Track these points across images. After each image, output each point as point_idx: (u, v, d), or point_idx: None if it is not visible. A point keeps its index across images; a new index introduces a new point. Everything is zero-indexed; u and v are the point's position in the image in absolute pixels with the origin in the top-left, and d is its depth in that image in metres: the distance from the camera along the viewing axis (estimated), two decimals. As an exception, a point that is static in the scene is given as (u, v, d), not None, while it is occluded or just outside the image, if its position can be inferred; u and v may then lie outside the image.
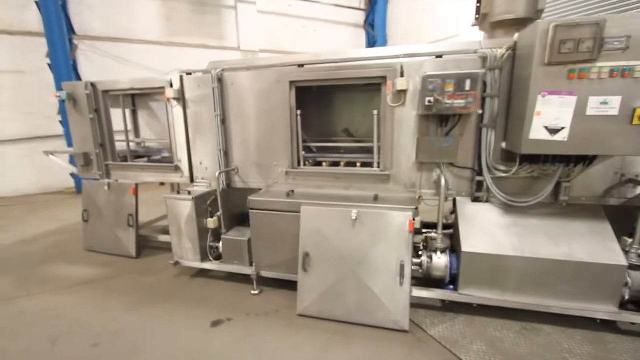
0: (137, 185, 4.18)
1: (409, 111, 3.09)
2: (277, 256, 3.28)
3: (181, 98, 3.77)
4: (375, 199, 3.08)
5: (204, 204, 3.55)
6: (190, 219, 3.46)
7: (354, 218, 2.84)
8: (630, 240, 2.72)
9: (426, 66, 2.94)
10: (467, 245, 2.82)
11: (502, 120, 2.87)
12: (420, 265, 3.07)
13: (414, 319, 2.84)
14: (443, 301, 3.08)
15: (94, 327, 2.89)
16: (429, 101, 2.77)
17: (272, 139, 3.55)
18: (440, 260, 3.00)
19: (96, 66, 7.96)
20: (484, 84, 2.79)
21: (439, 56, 2.97)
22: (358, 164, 3.64)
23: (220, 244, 3.58)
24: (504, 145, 2.88)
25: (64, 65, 7.27)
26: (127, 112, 4.95)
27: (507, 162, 2.92)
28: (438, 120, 2.98)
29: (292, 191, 3.39)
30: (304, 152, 3.61)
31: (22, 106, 7.52)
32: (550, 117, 2.41)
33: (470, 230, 2.90)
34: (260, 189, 3.96)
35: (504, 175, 2.90)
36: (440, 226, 3.05)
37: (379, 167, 3.35)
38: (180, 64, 8.93)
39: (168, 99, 3.80)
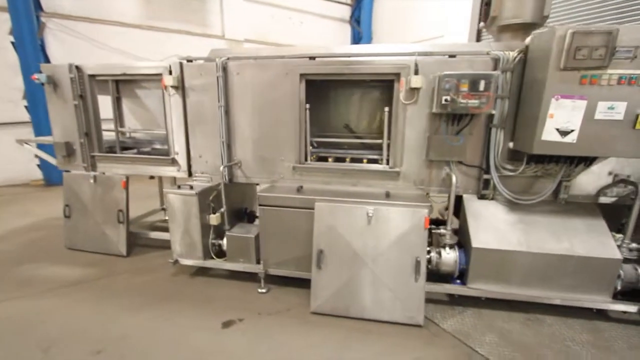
0: (127, 178, 3.91)
1: (421, 109, 3.12)
2: (287, 253, 3.21)
3: (180, 86, 3.56)
4: (387, 195, 3.09)
5: (206, 200, 3.38)
6: (193, 215, 3.30)
7: (370, 215, 2.84)
8: (619, 236, 2.95)
9: (439, 65, 2.98)
10: (476, 241, 2.91)
11: (510, 121, 2.98)
12: (429, 260, 3.14)
13: (425, 314, 2.90)
14: (450, 295, 3.17)
15: (92, 332, 2.68)
16: (446, 100, 2.80)
17: (278, 132, 3.44)
18: (450, 256, 3.08)
19: (67, 47, 7.31)
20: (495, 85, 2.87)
21: (452, 56, 3.01)
22: (364, 160, 3.64)
23: (224, 241, 3.44)
24: (511, 145, 2.99)
25: (30, 44, 6.60)
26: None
27: (513, 161, 3.05)
28: (450, 119, 3.03)
29: (301, 187, 3.32)
30: (310, 147, 3.55)
31: (-21, 88, 6.76)
32: (562, 119, 2.53)
33: (478, 227, 3.00)
34: (257, 184, 3.86)
35: (510, 174, 3.02)
36: (449, 222, 3.13)
37: (387, 163, 3.37)
38: (161, 50, 8.48)
39: (165, 87, 3.56)
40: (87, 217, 4.03)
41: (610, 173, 3.02)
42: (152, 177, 4.97)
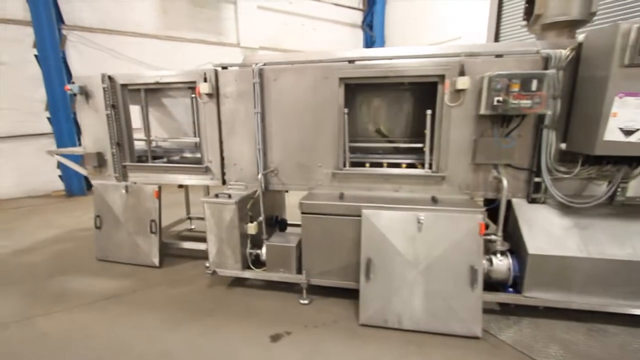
0: (160, 187, 3.85)
1: (467, 111, 3.02)
2: (330, 263, 3.10)
3: (215, 94, 3.51)
4: (435, 201, 2.98)
5: (244, 208, 3.30)
6: (232, 225, 3.21)
7: (421, 221, 2.73)
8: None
9: (485, 66, 2.89)
10: (533, 248, 2.78)
11: (562, 122, 2.87)
12: (479, 268, 3.01)
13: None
14: (502, 304, 3.03)
15: (137, 348, 2.58)
16: (498, 101, 2.70)
17: (316, 138, 3.37)
18: (502, 263, 2.94)
19: (86, 59, 7.38)
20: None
21: (498, 55, 2.92)
22: (403, 165, 3.53)
23: (262, 250, 3.35)
24: (564, 146, 2.88)
25: (52, 57, 6.67)
26: (138, 108, 4.59)
27: (564, 163, 2.93)
28: (500, 120, 2.93)
29: (343, 194, 3.23)
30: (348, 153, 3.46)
31: (2, 101, 6.80)
32: (626, 118, 2.42)
33: (533, 232, 2.87)
34: (286, 191, 3.76)
35: (564, 176, 2.89)
36: (500, 228, 3.00)
37: (430, 168, 3.26)
38: (177, 59, 8.55)
39: (200, 95, 3.52)
40: (118, 228, 3.97)
41: (669, 173, 2.88)
42: (180, 186, 4.94)
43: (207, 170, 3.72)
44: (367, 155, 3.79)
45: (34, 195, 7.17)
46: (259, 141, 3.42)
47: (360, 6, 11.52)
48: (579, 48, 2.74)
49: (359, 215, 2.93)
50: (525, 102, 2.70)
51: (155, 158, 4.37)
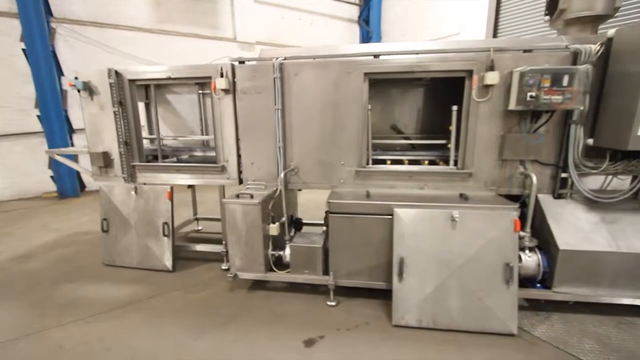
0: (172, 188, 3.67)
1: (495, 106, 2.98)
2: (359, 263, 3.02)
3: (231, 89, 3.36)
4: (466, 198, 2.94)
5: (266, 209, 3.18)
6: (255, 226, 3.09)
7: (456, 219, 2.68)
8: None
9: (513, 61, 2.86)
10: (563, 243, 2.78)
11: (590, 117, 2.87)
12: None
13: (513, 321, 2.75)
14: (530, 300, 3.03)
15: (160, 359, 2.45)
16: (531, 96, 2.67)
17: (339, 135, 3.27)
18: (531, 259, 2.94)
19: (77, 53, 7.02)
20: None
21: (527, 50, 2.89)
22: (425, 162, 3.49)
23: (286, 251, 3.24)
24: (591, 141, 2.88)
25: (41, 51, 6.29)
26: (143, 105, 4.38)
27: (590, 158, 2.93)
28: (529, 116, 2.91)
29: (369, 192, 3.15)
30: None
31: (-14, 98, 6.41)
32: (660, 113, 2.43)
33: (561, 228, 2.87)
34: (299, 190, 3.64)
35: (592, 171, 2.90)
36: (529, 224, 2.99)
37: (455, 164, 3.22)
38: (172, 54, 8.26)
39: (215, 90, 3.36)
40: (127, 231, 3.77)
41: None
42: (190, 186, 4.76)
43: (222, 170, 3.57)
44: (387, 152, 3.72)
45: (24, 198, 6.81)
46: (279, 138, 3.30)
47: (357, 1, 11.41)
48: (608, 43, 2.73)
49: (389, 214, 2.86)
50: (557, 98, 2.68)
51: (164, 157, 4.20)
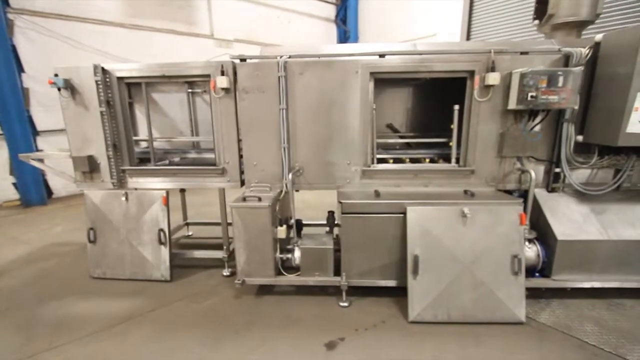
0: (168, 193, 3.47)
1: (494, 106, 3.11)
2: (371, 262, 3.04)
3: (232, 88, 3.23)
4: (472, 195, 3.05)
5: (275, 211, 3.10)
6: (265, 229, 3.00)
7: (467, 215, 2.77)
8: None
9: (511, 62, 3.00)
10: (561, 234, 2.97)
11: (579, 115, 3.08)
12: (509, 256, 3.15)
13: (518, 310, 2.90)
14: (529, 289, 3.20)
15: (180, 374, 2.31)
16: (532, 96, 2.82)
17: (344, 134, 3.26)
18: (531, 250, 3.11)
19: (39, 48, 6.41)
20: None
21: (523, 53, 3.05)
22: (426, 160, 3.57)
23: (295, 254, 3.18)
24: (580, 138, 3.10)
25: (-1, 45, 5.67)
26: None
27: (580, 154, 3.16)
28: (526, 115, 3.07)
29: (378, 191, 3.17)
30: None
31: None
32: (646, 112, 2.66)
33: (558, 220, 3.07)
34: (297, 191, 3.59)
35: (582, 166, 3.13)
36: (528, 217, 3.15)
37: (457, 162, 3.33)
38: (145, 51, 7.82)
39: (214, 89, 3.22)
40: (118, 241, 3.51)
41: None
42: (182, 190, 4.53)
43: (223, 172, 3.43)
44: (387, 151, 3.77)
45: (-19, 208, 6.14)
46: (284, 139, 3.22)
47: (334, 0, 11.44)
48: (596, 47, 2.95)
49: (401, 213, 2.90)
50: (553, 98, 2.86)
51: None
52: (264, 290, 3.33)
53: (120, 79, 3.33)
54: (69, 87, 3.31)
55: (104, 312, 3.02)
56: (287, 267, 3.24)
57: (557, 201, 3.21)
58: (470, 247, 2.79)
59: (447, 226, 2.82)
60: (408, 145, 4.08)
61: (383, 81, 3.72)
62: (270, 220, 2.99)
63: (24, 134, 6.10)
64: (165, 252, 3.48)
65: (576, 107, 2.93)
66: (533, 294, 3.17)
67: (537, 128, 3.11)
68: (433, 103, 4.02)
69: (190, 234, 4.87)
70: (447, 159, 3.49)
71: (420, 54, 3.09)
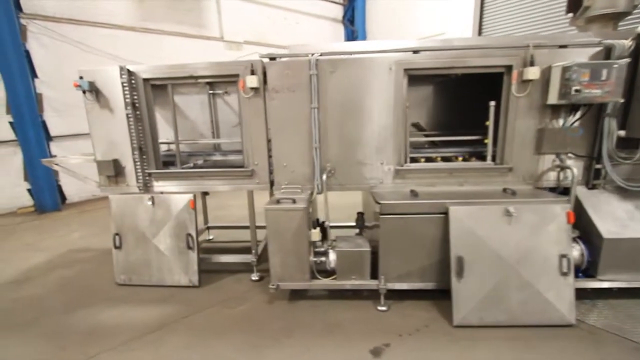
0: (195, 196, 3.38)
1: (533, 101, 3.02)
2: (410, 264, 2.94)
3: (261, 88, 3.15)
4: (513, 193, 2.94)
5: (308, 214, 3.01)
6: (300, 232, 2.91)
7: (512, 214, 2.67)
8: None
9: (550, 56, 2.91)
10: (606, 232, 2.87)
11: (621, 110, 2.99)
12: (551, 256, 3.05)
13: (565, 312, 2.79)
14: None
15: (225, 384, 2.21)
16: (576, 90, 2.72)
17: (377, 134, 3.18)
18: (575, 250, 2.99)
19: (52, 53, 6.37)
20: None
21: (562, 46, 2.96)
22: (459, 159, 3.48)
23: (330, 257, 3.08)
24: (622, 133, 3.00)
25: (13, 50, 5.63)
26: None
27: (622, 149, 3.06)
28: (567, 110, 2.98)
29: (415, 191, 3.07)
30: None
31: (-54, 103, 5.62)
32: (696, 104, 2.56)
33: (602, 218, 2.96)
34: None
35: (625, 162, 3.02)
36: (570, 216, 3.05)
37: (493, 160, 3.24)
38: (156, 54, 7.77)
39: (244, 89, 3.14)
40: (145, 246, 3.43)
41: None
42: (206, 194, 4.45)
43: (252, 174, 3.35)
44: (419, 150, 3.68)
45: (-4, 215, 6.06)
46: (316, 139, 3.14)
47: (342, 1, 11.40)
48: (638, 38, 2.85)
49: (442, 213, 2.81)
50: (596, 91, 2.76)
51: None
52: (297, 295, 3.23)
53: (146, 80, 3.25)
54: (94, 90, 3.23)
55: (135, 320, 2.93)
56: (320, 270, 3.15)
57: (598, 198, 3.11)
58: (515, 248, 2.69)
59: (491, 226, 2.72)
60: (434, 144, 3.99)
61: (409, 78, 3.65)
62: (306, 222, 2.89)
63: (38, 140, 6.04)
64: (193, 257, 3.39)
65: (622, 101, 2.83)
66: (577, 294, 3.06)
67: (577, 123, 3.02)
68: (456, 100, 3.95)
69: (211, 237, 4.78)
70: (480, 157, 3.41)
71: (456, 49, 3.01)
